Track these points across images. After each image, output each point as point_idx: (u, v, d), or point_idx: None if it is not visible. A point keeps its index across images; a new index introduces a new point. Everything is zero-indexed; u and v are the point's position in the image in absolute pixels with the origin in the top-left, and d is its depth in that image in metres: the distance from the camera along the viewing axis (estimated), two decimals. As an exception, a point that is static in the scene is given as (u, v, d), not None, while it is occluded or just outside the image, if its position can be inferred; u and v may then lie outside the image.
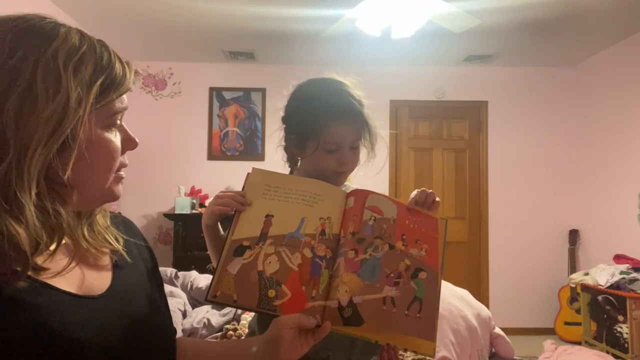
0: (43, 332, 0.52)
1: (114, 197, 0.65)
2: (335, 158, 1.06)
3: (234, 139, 4.62)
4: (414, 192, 0.97)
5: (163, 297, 0.77)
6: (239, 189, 0.96)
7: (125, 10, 3.43)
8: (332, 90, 1.08)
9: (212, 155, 4.59)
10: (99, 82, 0.59)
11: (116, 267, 0.68)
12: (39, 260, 0.55)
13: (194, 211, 4.17)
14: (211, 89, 4.63)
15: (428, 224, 0.94)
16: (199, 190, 4.41)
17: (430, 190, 0.97)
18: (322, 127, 1.04)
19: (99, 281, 0.64)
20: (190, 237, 4.10)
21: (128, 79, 0.63)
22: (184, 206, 4.16)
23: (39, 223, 0.53)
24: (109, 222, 0.71)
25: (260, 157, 4.57)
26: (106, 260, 0.68)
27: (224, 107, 4.63)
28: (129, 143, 0.66)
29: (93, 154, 0.59)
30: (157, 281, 0.77)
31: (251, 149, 4.61)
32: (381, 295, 0.81)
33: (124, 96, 0.64)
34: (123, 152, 0.66)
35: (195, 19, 3.58)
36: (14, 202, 0.52)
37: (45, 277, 0.56)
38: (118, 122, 0.64)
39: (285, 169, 1.18)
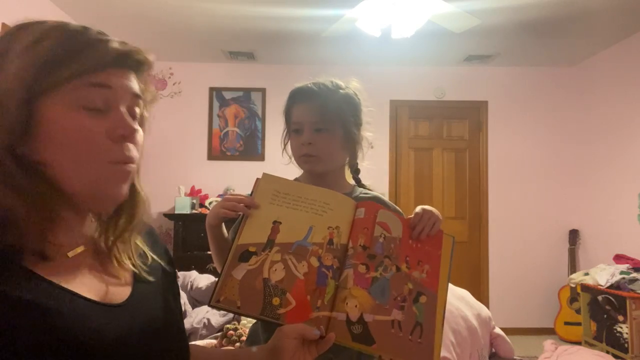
0: (67, 338, 0.52)
1: (115, 195, 0.61)
2: (300, 139, 1.11)
3: (234, 139, 4.61)
4: (418, 208, 0.96)
5: (178, 307, 0.76)
6: (239, 189, 0.96)
7: (125, 10, 3.42)
8: (308, 82, 1.15)
9: (212, 155, 4.58)
10: (46, 60, 0.55)
11: (137, 276, 0.68)
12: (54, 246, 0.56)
13: (194, 211, 4.15)
14: (211, 89, 4.63)
15: (431, 241, 0.93)
16: (199, 190, 4.40)
17: (430, 209, 0.95)
18: (289, 110, 1.14)
19: (119, 290, 0.64)
20: (190, 237, 4.10)
21: (97, 55, 0.58)
22: (184, 206, 4.15)
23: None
24: (140, 242, 0.71)
25: (260, 157, 4.55)
26: (128, 269, 0.68)
27: (224, 107, 4.63)
28: (118, 128, 0.59)
29: (61, 136, 0.56)
30: (174, 291, 0.76)
31: (251, 149, 4.60)
32: (390, 317, 0.80)
33: (103, 76, 0.58)
34: (113, 139, 0.59)
35: (195, 19, 3.58)
36: None
37: (65, 283, 0.56)
38: (96, 103, 0.58)
39: (286, 169, 1.18)
